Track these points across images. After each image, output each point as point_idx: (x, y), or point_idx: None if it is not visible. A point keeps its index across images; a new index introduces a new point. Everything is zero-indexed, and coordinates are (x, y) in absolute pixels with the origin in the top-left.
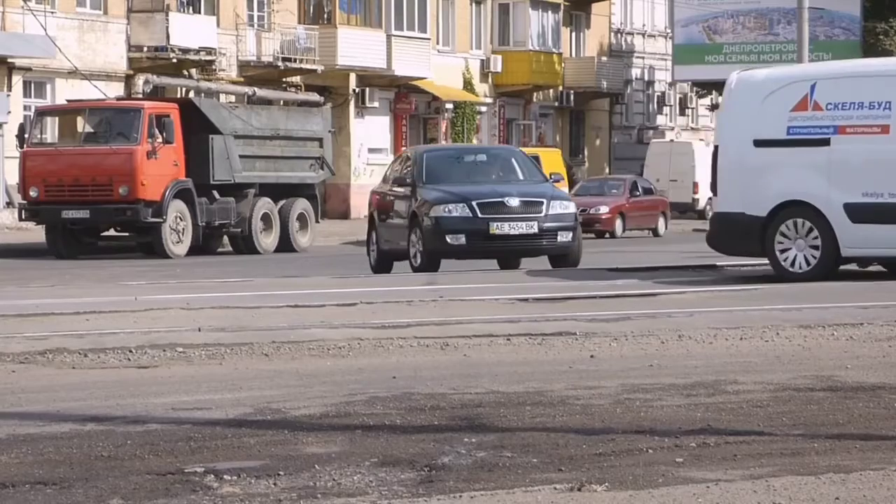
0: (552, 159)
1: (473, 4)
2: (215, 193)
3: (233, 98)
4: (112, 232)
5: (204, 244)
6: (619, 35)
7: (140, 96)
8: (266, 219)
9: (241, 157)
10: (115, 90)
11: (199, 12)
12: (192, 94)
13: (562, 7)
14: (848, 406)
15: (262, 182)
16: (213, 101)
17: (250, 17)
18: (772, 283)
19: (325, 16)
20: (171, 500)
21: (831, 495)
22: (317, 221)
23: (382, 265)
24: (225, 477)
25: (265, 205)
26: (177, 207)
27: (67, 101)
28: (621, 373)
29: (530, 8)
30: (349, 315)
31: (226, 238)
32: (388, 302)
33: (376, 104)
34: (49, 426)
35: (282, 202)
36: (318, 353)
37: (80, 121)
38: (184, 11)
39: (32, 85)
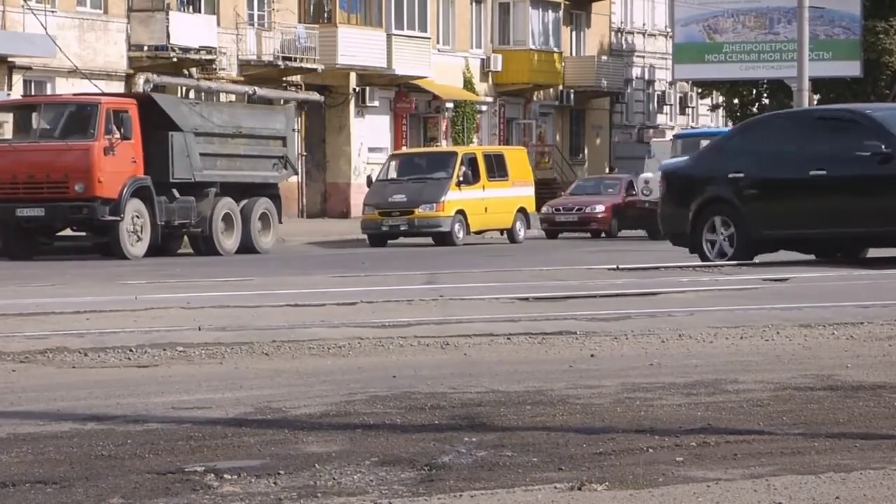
0: (517, 158)
1: (474, 3)
2: (175, 192)
3: (233, 97)
4: (68, 232)
5: (163, 245)
6: (619, 34)
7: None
8: (227, 219)
9: (201, 154)
10: (115, 89)
11: (200, 11)
12: (192, 94)
13: (562, 6)
14: (848, 405)
15: (223, 181)
16: (173, 97)
17: (250, 17)
18: (772, 283)
19: (326, 15)
20: (171, 499)
21: (832, 494)
22: (280, 222)
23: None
24: (225, 476)
25: (226, 204)
26: (135, 206)
27: (23, 96)
28: (621, 372)
29: (530, 7)
30: (349, 314)
31: (187, 238)
32: (389, 301)
33: (376, 103)
34: (49, 425)
35: (244, 202)
36: (318, 353)
37: (35, 116)
38: (184, 11)
39: (33, 84)
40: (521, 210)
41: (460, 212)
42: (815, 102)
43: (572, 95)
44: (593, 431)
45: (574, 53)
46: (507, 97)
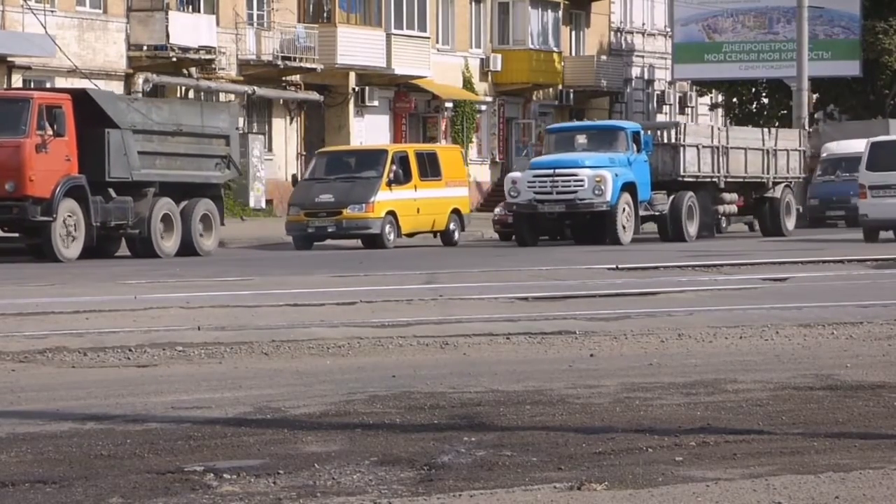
0: (451, 157)
1: (473, 3)
2: (111, 192)
3: (233, 97)
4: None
5: (100, 246)
6: (618, 34)
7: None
8: (167, 220)
9: (140, 153)
10: (114, 89)
11: (199, 11)
12: (192, 94)
13: (561, 6)
14: (847, 405)
15: (162, 181)
16: (109, 93)
17: (250, 16)
18: (771, 283)
19: (325, 14)
20: (170, 498)
21: (831, 494)
22: (222, 223)
23: None
24: (224, 476)
25: (166, 205)
26: (68, 206)
27: None
28: (621, 371)
29: (530, 6)
30: (349, 314)
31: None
32: (388, 301)
33: (376, 103)
34: (49, 425)
35: (184, 203)
36: (317, 352)
37: None
38: (183, 10)
39: (32, 84)
40: (455, 211)
41: (391, 213)
42: (815, 102)
43: (572, 95)
44: (593, 431)
45: (573, 53)
46: (507, 97)
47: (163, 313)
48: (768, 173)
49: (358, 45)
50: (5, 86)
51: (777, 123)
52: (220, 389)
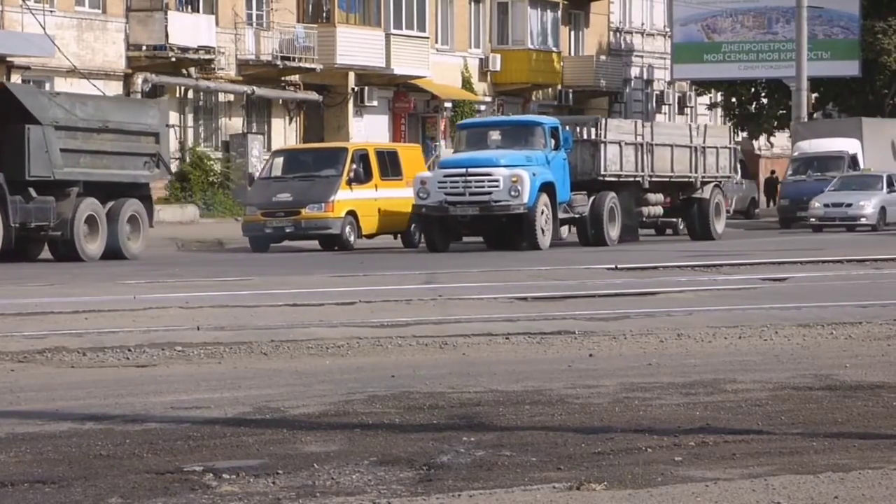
0: (411, 156)
1: (472, 3)
2: (32, 191)
3: (230, 96)
4: None
5: (20, 249)
6: (617, 34)
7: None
8: (91, 221)
9: (62, 150)
10: (114, 89)
11: (198, 11)
12: (191, 94)
13: (560, 6)
14: (847, 405)
15: (86, 180)
16: (29, 87)
17: (249, 16)
18: (771, 283)
19: (324, 15)
20: (169, 498)
21: (830, 494)
22: (151, 225)
23: None
24: (224, 476)
25: (90, 205)
26: None
27: None
28: (620, 371)
29: (529, 7)
30: (348, 314)
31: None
32: (387, 301)
33: (375, 103)
34: (48, 425)
35: (110, 203)
36: (316, 352)
37: None
38: (183, 10)
39: (31, 84)
40: None
41: (351, 213)
42: (814, 102)
43: (571, 95)
44: (592, 431)
45: (572, 53)
46: (506, 97)
47: (162, 313)
48: (696, 172)
49: (357, 45)
50: None
51: (776, 123)
52: (219, 389)
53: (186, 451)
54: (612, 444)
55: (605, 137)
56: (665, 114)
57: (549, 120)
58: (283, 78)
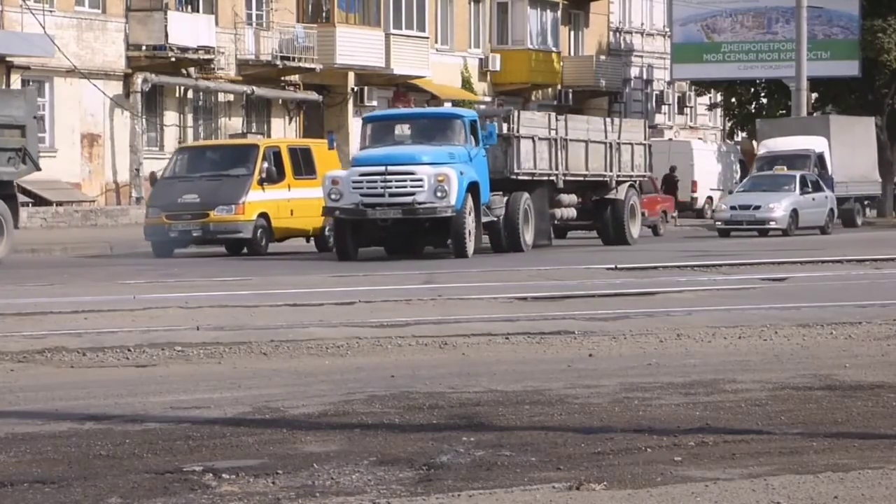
0: (325, 153)
1: (472, 3)
2: None
3: (230, 96)
4: None
5: None
6: (617, 34)
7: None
8: None
9: None
10: (113, 89)
11: (198, 11)
12: (190, 94)
13: (560, 6)
14: (846, 405)
15: None
16: None
17: (249, 16)
18: (770, 283)
19: (324, 14)
20: (169, 498)
21: (830, 494)
22: (15, 227)
23: None
24: (223, 476)
25: None
26: None
27: None
28: (620, 371)
29: (529, 6)
30: (348, 314)
31: None
32: (387, 301)
33: (375, 103)
34: (48, 425)
35: None
36: (316, 352)
37: None
38: (182, 10)
39: (31, 84)
40: None
41: (263, 215)
42: (814, 102)
43: (571, 95)
44: (591, 431)
45: (572, 53)
46: (506, 97)
47: (162, 313)
48: (611, 171)
49: (357, 45)
50: (4, 86)
51: None
52: (218, 389)
53: (186, 451)
54: (611, 444)
55: (518, 132)
56: (665, 114)
57: (469, 112)
58: (282, 78)
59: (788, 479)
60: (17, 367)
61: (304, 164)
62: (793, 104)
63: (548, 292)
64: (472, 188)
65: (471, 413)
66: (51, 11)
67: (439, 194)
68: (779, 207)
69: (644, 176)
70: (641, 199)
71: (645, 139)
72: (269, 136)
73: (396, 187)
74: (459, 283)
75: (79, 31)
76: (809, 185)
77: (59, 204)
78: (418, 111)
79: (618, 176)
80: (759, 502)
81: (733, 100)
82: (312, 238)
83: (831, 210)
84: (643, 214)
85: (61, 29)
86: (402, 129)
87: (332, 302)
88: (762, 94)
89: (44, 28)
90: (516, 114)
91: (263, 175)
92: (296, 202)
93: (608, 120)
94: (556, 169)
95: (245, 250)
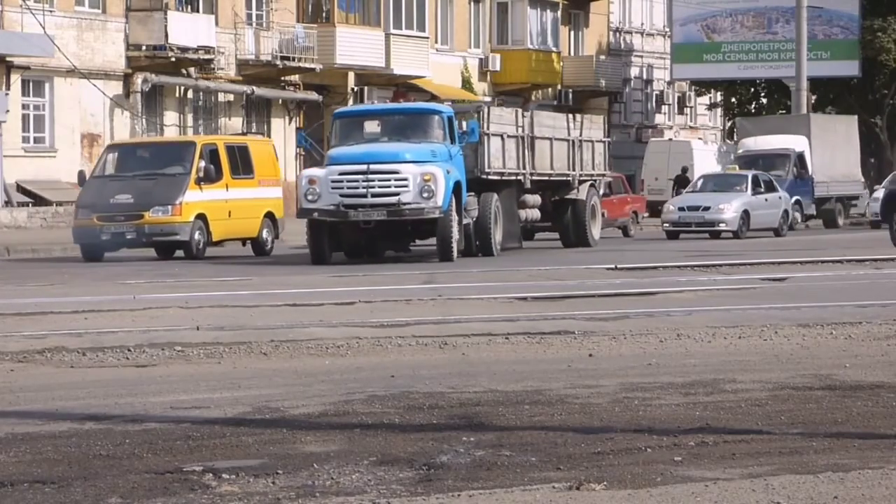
0: (262, 152)
1: (472, 3)
2: None
3: (230, 96)
4: None
5: None
6: (617, 34)
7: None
8: None
9: None
10: (113, 89)
11: (198, 11)
12: (190, 94)
13: (560, 6)
14: (846, 405)
15: None
16: None
17: (249, 16)
18: (770, 283)
19: (324, 14)
20: (169, 498)
21: (830, 494)
22: None
23: None
24: (223, 476)
25: None
26: None
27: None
28: (620, 371)
29: (529, 6)
30: (348, 314)
31: None
32: (387, 301)
33: (375, 103)
34: (47, 425)
35: None
36: (316, 352)
37: None
38: (182, 10)
39: (31, 84)
40: (269, 215)
41: (201, 216)
42: (813, 102)
43: (571, 95)
44: (591, 431)
45: (572, 53)
46: (506, 97)
47: (162, 313)
48: (574, 169)
49: (357, 45)
50: (4, 86)
51: None
52: (218, 389)
53: (186, 451)
54: (611, 444)
55: (488, 129)
56: (665, 114)
57: (446, 108)
58: (282, 78)
59: (788, 479)
60: (18, 367)
61: (241, 163)
62: (793, 104)
63: (548, 292)
64: (456, 188)
65: (471, 413)
66: (51, 11)
67: (425, 194)
68: (729, 208)
69: (603, 175)
70: (609, 200)
71: (604, 136)
72: (268, 136)
73: (380, 187)
74: (459, 283)
75: (79, 31)
76: (762, 185)
77: (59, 204)
78: (393, 106)
79: (580, 175)
80: (759, 502)
81: (733, 100)
82: (249, 242)
83: (785, 211)
84: (603, 215)
85: (61, 29)
86: (375, 126)
87: (332, 302)
88: (762, 94)
89: (44, 28)
90: (486, 110)
91: (201, 174)
92: (233, 203)
93: (570, 116)
94: (524, 168)
95: (178, 254)
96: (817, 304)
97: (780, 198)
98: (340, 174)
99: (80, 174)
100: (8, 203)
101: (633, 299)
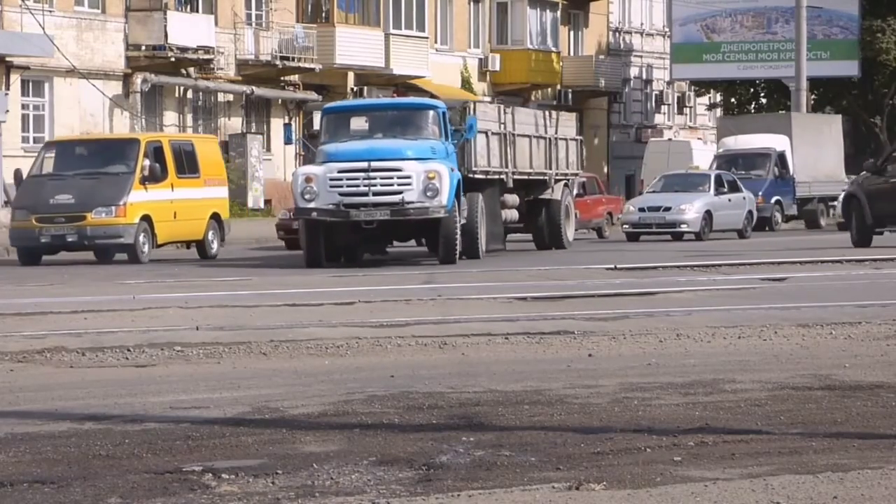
0: (208, 150)
1: (471, 3)
2: None
3: (229, 96)
4: None
5: None
6: (617, 34)
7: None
8: None
9: None
10: (113, 89)
11: (198, 11)
12: (190, 94)
13: (560, 6)
14: (846, 405)
15: None
16: None
17: (248, 16)
18: (770, 283)
19: (323, 14)
20: (169, 498)
21: (829, 494)
22: None
23: None
24: (223, 476)
25: None
26: None
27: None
28: (619, 371)
29: (528, 6)
30: (347, 314)
31: None
32: (387, 301)
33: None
34: (47, 425)
35: None
36: (316, 352)
37: None
38: (182, 10)
39: (31, 84)
40: (215, 217)
41: (146, 218)
42: (813, 102)
43: (570, 95)
44: (591, 431)
45: (572, 53)
46: (506, 97)
47: (161, 313)
48: (551, 168)
49: (356, 45)
50: (4, 86)
51: None
52: (218, 389)
53: (186, 451)
54: (611, 444)
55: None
56: (664, 114)
57: (441, 104)
58: (282, 78)
59: (788, 479)
60: (17, 367)
61: (186, 162)
62: (792, 104)
63: (547, 292)
64: (458, 187)
65: (470, 413)
66: (50, 11)
67: (429, 193)
68: (691, 209)
69: (577, 174)
70: (583, 200)
71: (577, 134)
72: (267, 136)
73: (382, 185)
74: (459, 283)
75: (78, 31)
76: (725, 185)
77: None
78: (386, 101)
79: (556, 174)
80: (759, 502)
81: (733, 100)
82: (194, 244)
83: (749, 212)
84: (576, 216)
85: (61, 29)
86: (367, 122)
87: (331, 302)
88: (762, 94)
89: (43, 28)
90: (472, 106)
91: (146, 173)
92: (179, 203)
93: (546, 113)
94: (507, 166)
95: (118, 257)
96: (817, 304)
97: (744, 198)
98: (340, 172)
99: (17, 173)
100: (8, 203)
101: (632, 299)
